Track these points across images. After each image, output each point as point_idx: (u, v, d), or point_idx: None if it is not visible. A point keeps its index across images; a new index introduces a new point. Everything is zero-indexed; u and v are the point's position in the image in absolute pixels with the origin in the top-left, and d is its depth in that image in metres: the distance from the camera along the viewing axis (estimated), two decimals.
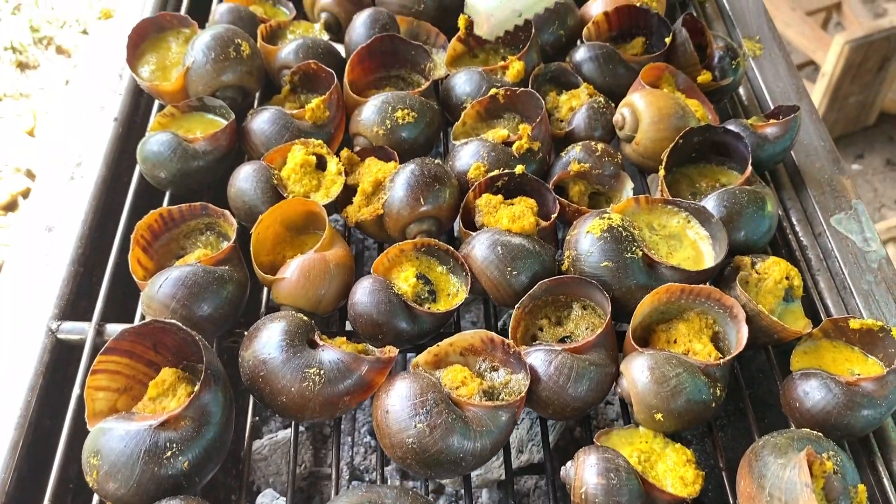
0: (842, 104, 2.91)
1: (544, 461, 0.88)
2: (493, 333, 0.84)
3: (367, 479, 1.13)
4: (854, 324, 0.87)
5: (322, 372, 0.79)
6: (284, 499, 1.04)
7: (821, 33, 2.95)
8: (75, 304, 0.96)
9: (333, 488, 0.83)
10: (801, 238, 1.06)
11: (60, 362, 0.91)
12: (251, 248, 0.91)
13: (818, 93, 2.82)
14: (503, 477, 1.06)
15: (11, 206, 2.70)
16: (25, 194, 2.73)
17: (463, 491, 0.84)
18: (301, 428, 1.16)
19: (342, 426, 1.15)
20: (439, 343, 0.84)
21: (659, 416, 0.80)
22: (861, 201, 1.10)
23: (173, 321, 0.77)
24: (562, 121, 1.10)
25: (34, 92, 3.08)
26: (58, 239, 0.99)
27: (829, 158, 1.14)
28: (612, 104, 1.09)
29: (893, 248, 2.64)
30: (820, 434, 0.79)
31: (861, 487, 0.76)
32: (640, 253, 0.89)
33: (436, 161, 0.98)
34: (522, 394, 0.80)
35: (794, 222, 1.07)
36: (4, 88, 3.02)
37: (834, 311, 0.98)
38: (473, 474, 1.07)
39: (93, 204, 1.03)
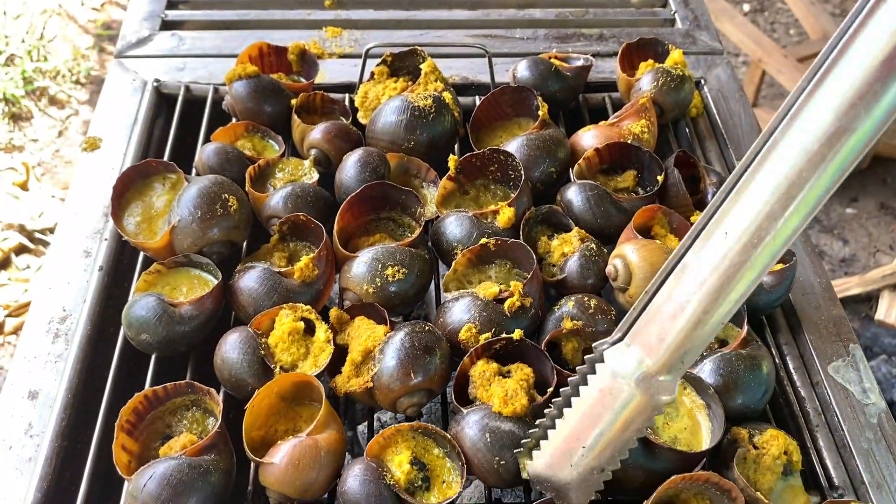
0: None
1: None
2: None
3: None
4: None
5: None
6: None
7: None
8: (59, 482, 0.93)
9: None
10: (799, 389, 1.04)
11: None
12: (243, 424, 0.89)
13: None
14: None
15: (4, 264, 2.68)
16: (18, 251, 2.71)
17: None
18: None
19: None
20: None
21: None
22: (859, 346, 1.08)
23: None
24: (553, 265, 1.09)
25: (27, 144, 3.07)
26: (41, 408, 0.97)
27: (826, 297, 1.13)
28: (604, 250, 1.08)
29: (889, 294, 2.63)
30: None
31: None
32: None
33: (427, 326, 0.96)
34: None
35: (792, 370, 1.06)
36: None
37: (834, 475, 0.96)
38: None
39: (77, 368, 1.01)
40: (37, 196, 2.86)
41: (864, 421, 1.01)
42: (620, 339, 0.71)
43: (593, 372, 0.72)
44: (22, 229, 2.77)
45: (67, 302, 1.08)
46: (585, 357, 0.73)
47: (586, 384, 0.73)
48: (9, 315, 2.53)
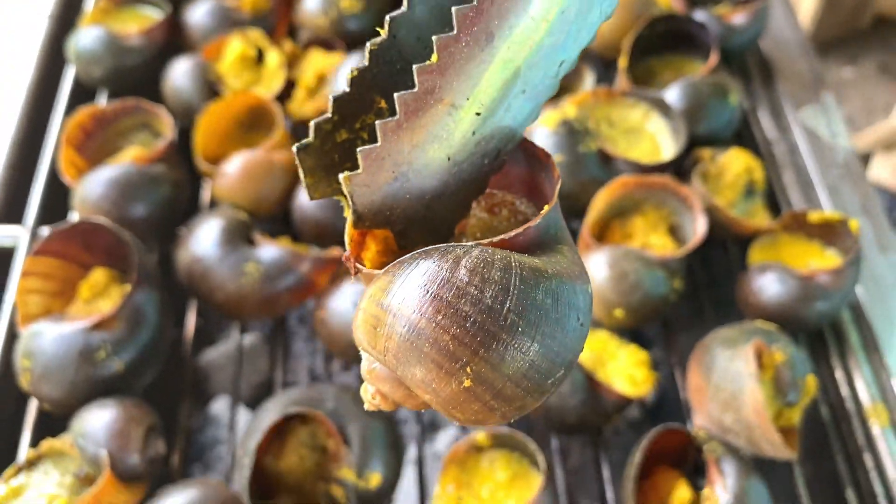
0: (836, 6, 2.81)
1: None
2: None
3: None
4: (813, 217, 0.85)
5: (260, 268, 0.76)
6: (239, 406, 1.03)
7: None
8: (12, 210, 0.92)
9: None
10: (767, 133, 1.02)
11: None
12: (195, 138, 0.87)
13: None
14: None
15: None
16: None
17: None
18: (259, 336, 1.15)
19: (301, 331, 1.14)
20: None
21: (618, 311, 0.78)
22: (830, 93, 1.06)
23: (102, 220, 0.74)
24: None
25: None
26: None
27: (800, 49, 1.10)
28: None
29: (882, 154, 2.60)
30: (773, 326, 0.78)
31: (811, 378, 0.75)
32: (595, 146, 0.85)
33: None
34: None
35: (761, 116, 1.04)
36: None
37: (797, 207, 0.95)
38: None
39: (26, 108, 0.98)
40: None
41: (830, 160, 1.00)
42: None
43: None
44: None
45: (14, 50, 1.03)
46: None
47: None
48: None
